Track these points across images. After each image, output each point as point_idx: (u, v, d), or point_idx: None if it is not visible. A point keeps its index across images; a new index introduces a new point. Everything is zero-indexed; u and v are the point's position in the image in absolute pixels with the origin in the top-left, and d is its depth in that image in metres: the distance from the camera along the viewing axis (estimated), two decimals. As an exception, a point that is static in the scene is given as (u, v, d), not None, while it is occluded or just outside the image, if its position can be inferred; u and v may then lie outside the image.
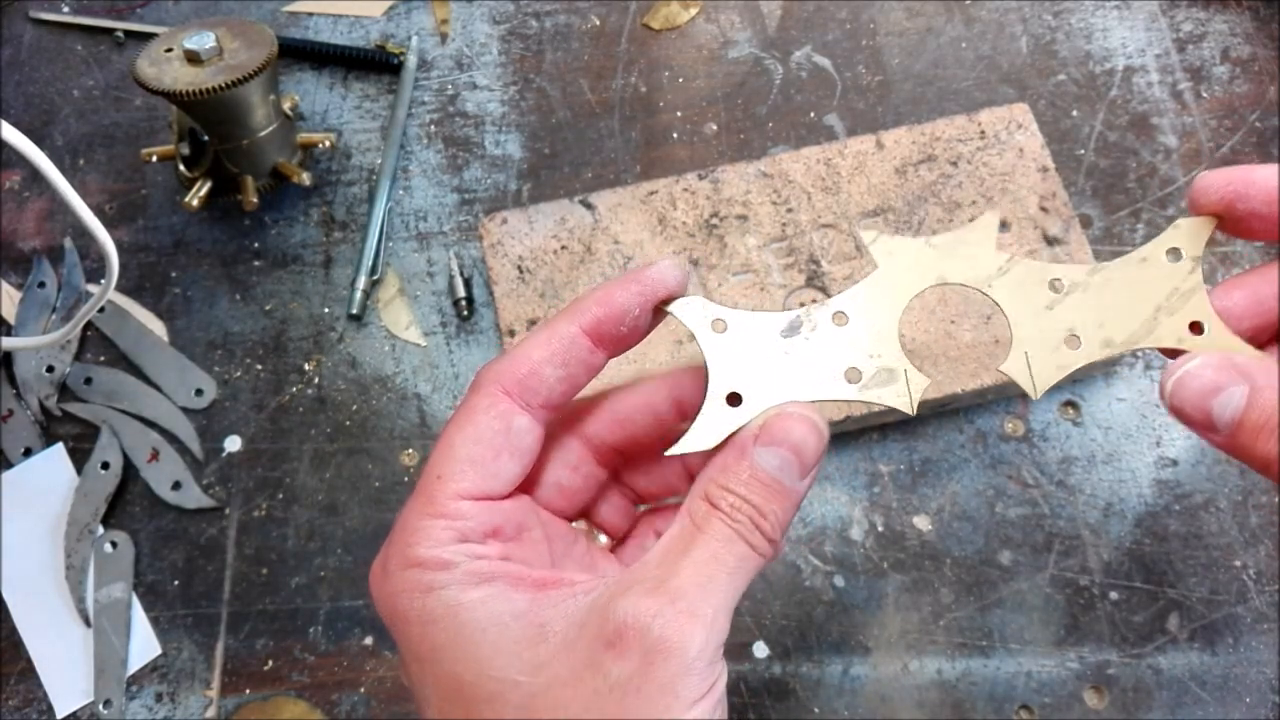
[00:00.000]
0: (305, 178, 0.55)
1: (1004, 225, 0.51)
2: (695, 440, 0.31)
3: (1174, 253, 0.31)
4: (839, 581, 0.48)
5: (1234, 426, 0.28)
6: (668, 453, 0.30)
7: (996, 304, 0.32)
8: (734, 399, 0.31)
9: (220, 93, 0.49)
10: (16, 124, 0.42)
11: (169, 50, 0.51)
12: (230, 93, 0.49)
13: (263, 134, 0.53)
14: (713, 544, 0.29)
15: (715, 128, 0.58)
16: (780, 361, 0.31)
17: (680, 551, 0.28)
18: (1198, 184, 0.32)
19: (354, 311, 0.54)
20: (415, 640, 0.28)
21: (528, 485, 0.32)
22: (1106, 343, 0.31)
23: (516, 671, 0.27)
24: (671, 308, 0.31)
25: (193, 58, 0.50)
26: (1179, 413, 0.30)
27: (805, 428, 0.30)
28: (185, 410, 0.53)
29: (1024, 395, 0.51)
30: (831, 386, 0.31)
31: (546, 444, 0.32)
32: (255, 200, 0.54)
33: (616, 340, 0.31)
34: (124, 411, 0.53)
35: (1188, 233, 0.31)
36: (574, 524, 0.34)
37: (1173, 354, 0.32)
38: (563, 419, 0.33)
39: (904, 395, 0.31)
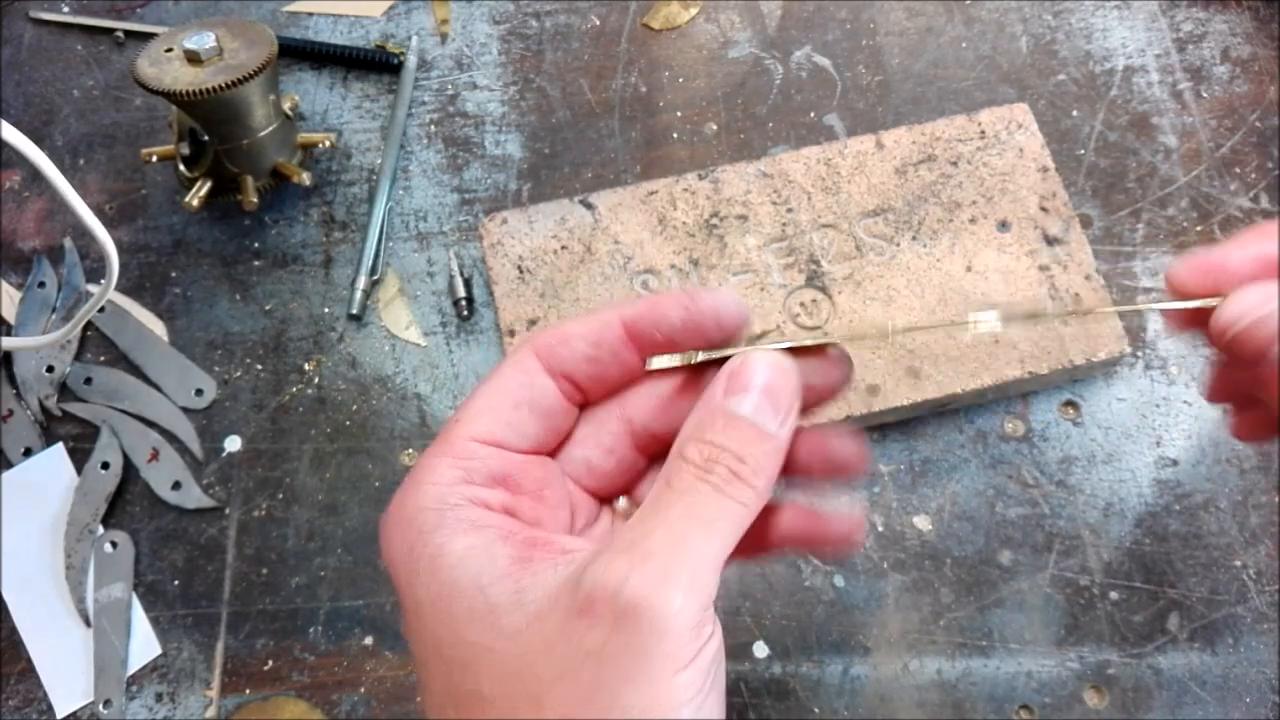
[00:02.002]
0: (305, 178, 0.55)
1: (1004, 225, 0.51)
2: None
3: None
4: (839, 581, 0.48)
5: None
6: (650, 366, 0.30)
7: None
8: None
9: (220, 93, 0.49)
10: (16, 124, 0.42)
11: (169, 50, 0.51)
12: (230, 93, 0.49)
13: (263, 134, 0.53)
14: (685, 499, 0.27)
15: (715, 128, 0.58)
16: None
17: (653, 512, 0.27)
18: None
19: (354, 311, 0.54)
20: (404, 592, 0.28)
21: (557, 455, 0.31)
22: None
23: (491, 639, 0.26)
24: (659, 364, 0.30)
25: (193, 58, 0.50)
26: (1244, 336, 0.29)
27: (770, 369, 0.29)
28: (185, 410, 0.53)
29: (1024, 395, 0.51)
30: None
31: (582, 423, 0.31)
32: (255, 200, 0.54)
33: (649, 343, 0.30)
34: (124, 411, 0.53)
35: None
36: (617, 502, 0.33)
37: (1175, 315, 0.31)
38: (605, 403, 0.32)
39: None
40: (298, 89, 0.60)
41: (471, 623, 0.26)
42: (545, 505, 0.30)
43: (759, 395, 0.28)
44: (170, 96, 0.49)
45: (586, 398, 0.31)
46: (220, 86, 0.49)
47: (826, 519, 0.32)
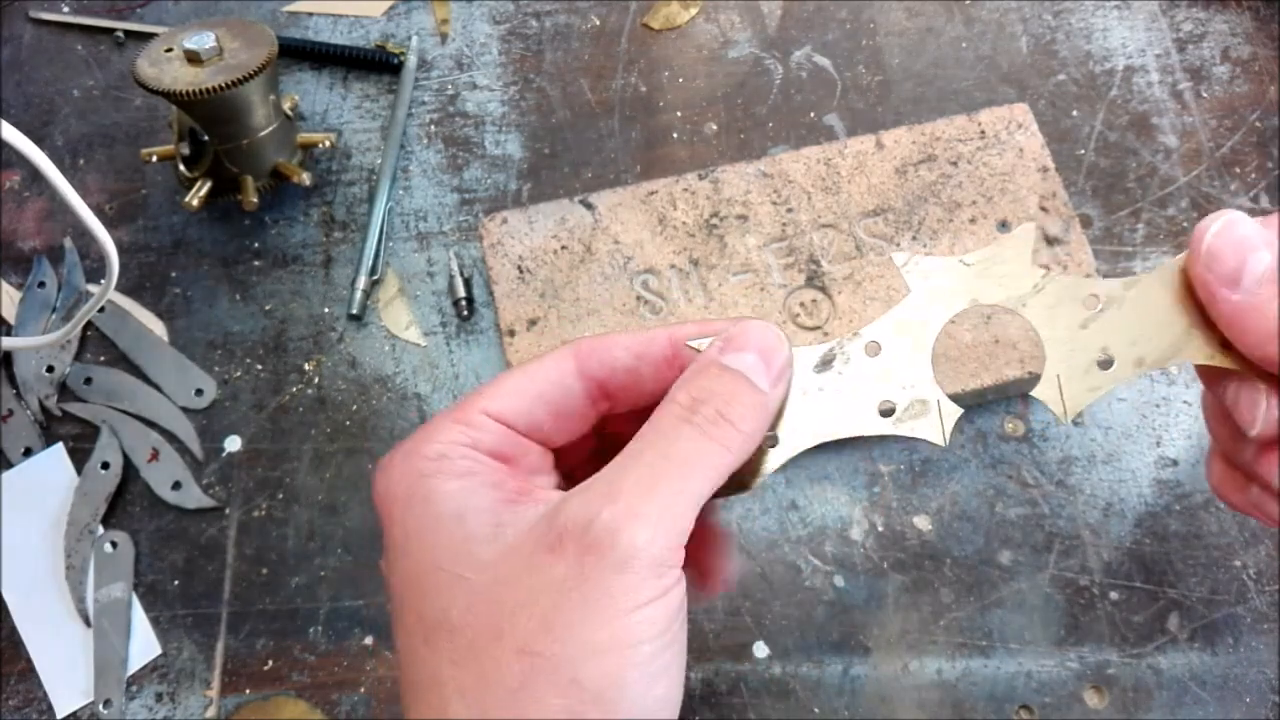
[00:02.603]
0: (305, 178, 0.55)
1: (1004, 225, 0.51)
2: (735, 485, 0.30)
3: None
4: (839, 581, 0.48)
5: (1261, 282, 0.27)
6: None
7: (1030, 324, 0.31)
8: (771, 440, 0.30)
9: (220, 93, 0.49)
10: (16, 124, 0.42)
11: (169, 50, 0.51)
12: (230, 93, 0.49)
13: (263, 134, 0.53)
14: (665, 440, 0.27)
15: (715, 128, 0.58)
16: (814, 398, 0.31)
17: (633, 453, 0.27)
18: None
19: (354, 311, 0.54)
20: (393, 524, 0.28)
21: (563, 455, 0.32)
22: (1139, 361, 0.30)
23: (465, 568, 0.27)
24: (697, 344, 0.30)
25: (193, 58, 0.50)
26: (1213, 255, 0.28)
27: (768, 333, 0.29)
28: (185, 410, 0.53)
29: (1024, 395, 0.51)
30: (866, 421, 0.31)
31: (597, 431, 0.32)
32: (255, 200, 0.54)
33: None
34: (124, 411, 0.53)
35: None
36: None
37: (1204, 371, 0.31)
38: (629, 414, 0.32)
39: (936, 427, 0.31)
40: (298, 89, 0.60)
41: (448, 549, 0.27)
42: (537, 489, 0.30)
43: (754, 354, 0.29)
44: (170, 96, 0.49)
45: (614, 406, 0.31)
46: (220, 86, 0.49)
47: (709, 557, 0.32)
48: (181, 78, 0.49)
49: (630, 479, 0.27)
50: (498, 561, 0.27)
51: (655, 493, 0.26)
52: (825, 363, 0.31)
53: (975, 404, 0.51)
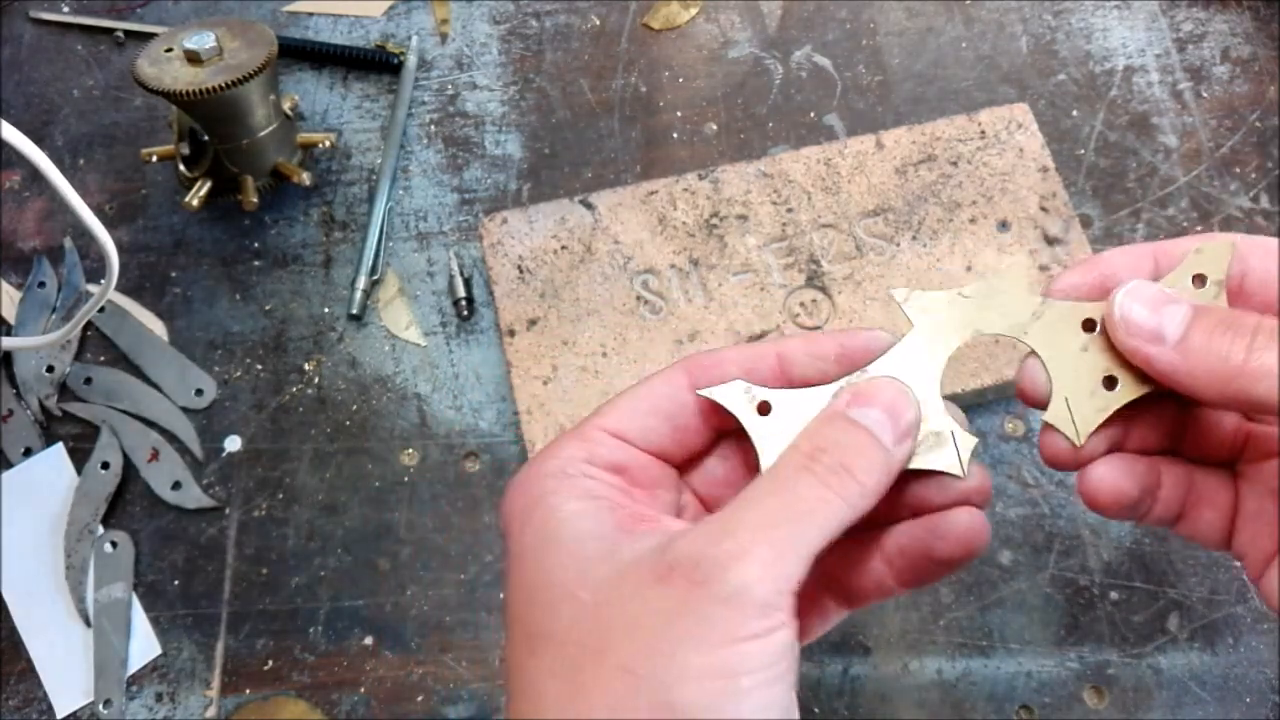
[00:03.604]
0: (305, 178, 0.55)
1: (1004, 225, 0.51)
2: None
3: (1199, 279, 0.30)
4: (839, 581, 0.48)
5: (1184, 330, 0.28)
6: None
7: (1034, 351, 0.31)
8: None
9: (220, 93, 0.49)
10: (16, 124, 0.42)
11: (169, 50, 0.51)
12: (230, 93, 0.49)
13: (263, 134, 0.53)
14: (785, 486, 0.28)
15: (715, 128, 0.58)
16: None
17: (752, 496, 0.28)
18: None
19: (354, 311, 0.54)
20: (513, 540, 0.29)
21: (686, 469, 0.32)
22: (1143, 379, 0.30)
23: (577, 586, 0.27)
24: (711, 393, 0.31)
25: (193, 58, 0.50)
26: (1127, 324, 0.29)
27: (896, 391, 0.30)
28: (185, 410, 0.53)
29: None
30: None
31: (723, 444, 0.33)
32: (255, 200, 0.54)
33: (799, 376, 0.31)
34: (124, 411, 0.53)
35: (1210, 257, 0.30)
36: None
37: None
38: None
39: (953, 459, 0.31)
40: (298, 89, 0.60)
41: (563, 568, 0.28)
42: (657, 502, 0.31)
43: (880, 410, 0.29)
44: (170, 96, 0.49)
45: (727, 421, 0.32)
46: (220, 86, 0.49)
47: (941, 521, 0.31)
48: (181, 78, 0.49)
49: (747, 520, 0.27)
50: (608, 584, 0.27)
51: (770, 536, 0.26)
52: None
53: (975, 404, 0.51)
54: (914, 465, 0.30)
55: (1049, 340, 0.31)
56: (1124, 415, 0.31)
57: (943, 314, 0.32)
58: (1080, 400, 0.31)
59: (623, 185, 0.54)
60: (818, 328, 0.50)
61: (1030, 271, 0.31)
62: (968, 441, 0.31)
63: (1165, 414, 0.31)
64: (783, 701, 0.26)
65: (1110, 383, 0.30)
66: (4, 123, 0.40)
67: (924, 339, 0.31)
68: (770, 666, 0.26)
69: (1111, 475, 0.30)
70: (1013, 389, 0.50)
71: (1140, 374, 0.30)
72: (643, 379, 0.32)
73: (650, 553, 0.27)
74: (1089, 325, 0.30)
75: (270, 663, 0.49)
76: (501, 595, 0.31)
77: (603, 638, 0.26)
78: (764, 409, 0.30)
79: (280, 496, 0.51)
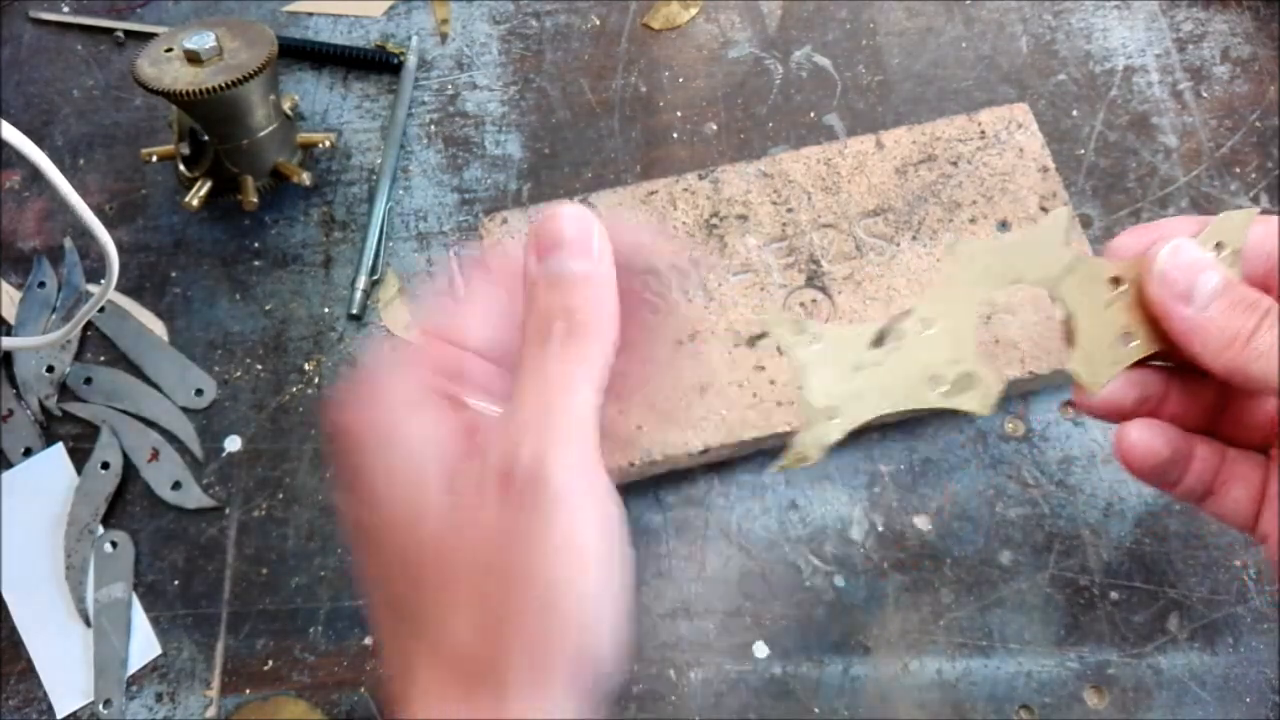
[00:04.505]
0: (305, 178, 0.55)
1: (1004, 225, 0.51)
2: (797, 456, 0.32)
3: (1219, 246, 0.32)
4: (839, 581, 0.48)
5: (1211, 299, 0.30)
6: (771, 470, 0.32)
7: (1064, 302, 0.33)
8: (830, 412, 0.32)
9: (220, 92, 0.49)
10: (16, 124, 0.42)
11: (169, 50, 0.51)
12: (230, 92, 0.49)
13: (263, 134, 0.53)
14: (536, 374, 0.28)
15: (715, 128, 0.58)
16: (870, 372, 0.33)
17: (517, 392, 0.28)
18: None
19: (354, 311, 0.54)
20: (353, 462, 0.30)
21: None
22: (1157, 339, 0.33)
23: (418, 514, 0.28)
24: (769, 327, 0.32)
25: (193, 58, 0.50)
26: (1164, 278, 0.31)
27: (568, 219, 0.30)
28: (185, 410, 0.53)
29: (1024, 395, 0.51)
30: (917, 394, 0.33)
31: None
32: (255, 200, 0.54)
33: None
34: (124, 411, 0.53)
35: (1231, 226, 0.32)
36: None
37: None
38: None
39: (981, 399, 0.33)
40: (298, 89, 0.60)
41: (405, 496, 0.29)
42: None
43: (566, 250, 0.29)
44: (170, 96, 0.49)
45: None
46: (220, 86, 0.49)
47: None
48: (182, 78, 0.49)
49: (527, 411, 0.28)
50: (447, 511, 0.28)
51: (551, 419, 0.27)
52: (879, 339, 0.33)
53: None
54: (946, 405, 0.33)
55: (1078, 293, 0.33)
56: (1163, 388, 0.33)
57: (983, 262, 0.33)
58: (1100, 351, 0.33)
59: (623, 185, 0.54)
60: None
61: (1070, 223, 0.33)
62: (996, 383, 0.33)
63: (1203, 393, 0.33)
64: (619, 568, 0.28)
65: (1128, 338, 0.33)
66: (4, 123, 0.40)
67: (965, 284, 0.33)
68: (607, 538, 0.27)
69: (1146, 436, 0.32)
70: (1013, 389, 0.50)
71: (1155, 333, 0.32)
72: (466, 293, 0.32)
73: (480, 472, 0.28)
74: (1116, 282, 0.33)
75: (270, 663, 0.49)
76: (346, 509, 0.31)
77: (448, 565, 0.28)
78: (810, 342, 0.33)
79: (280, 496, 0.51)
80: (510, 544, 0.27)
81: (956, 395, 0.33)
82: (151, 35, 0.61)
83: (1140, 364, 0.33)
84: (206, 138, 0.53)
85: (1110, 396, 0.33)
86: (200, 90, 0.48)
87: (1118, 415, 0.33)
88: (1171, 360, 0.33)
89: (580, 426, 0.27)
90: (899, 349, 0.33)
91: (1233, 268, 0.32)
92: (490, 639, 0.28)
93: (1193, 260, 0.31)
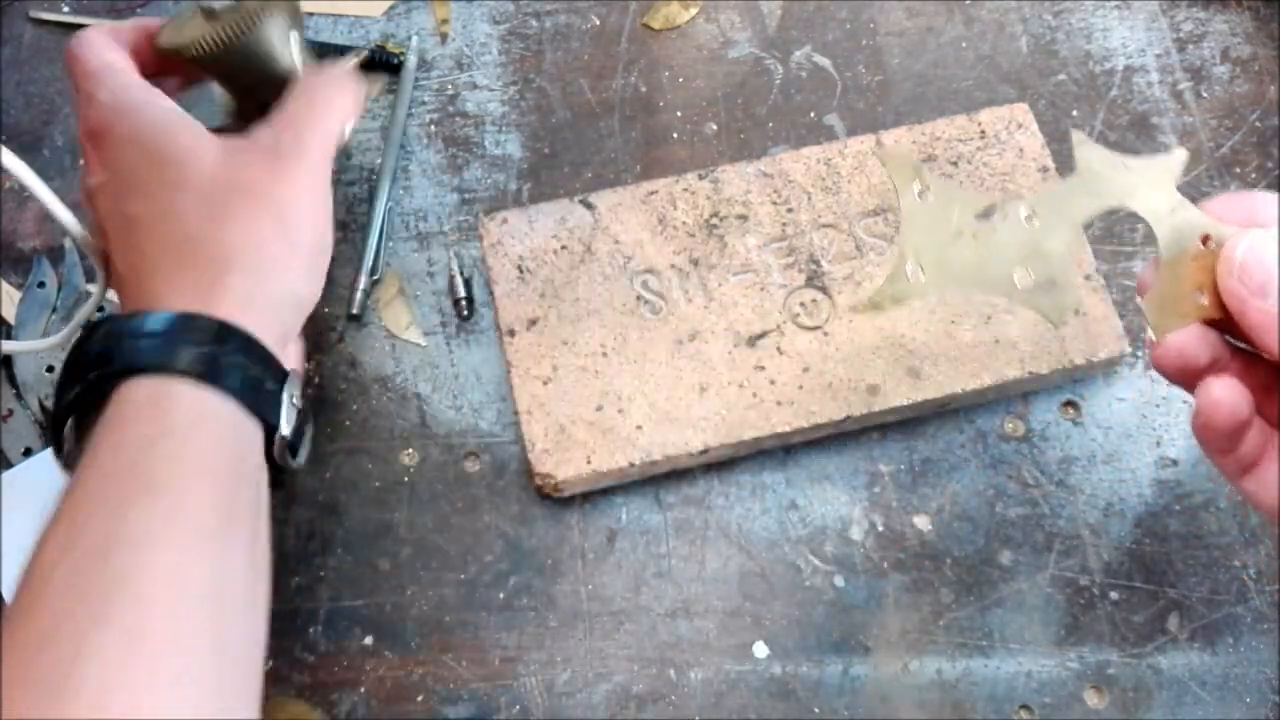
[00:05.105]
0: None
1: (1004, 225, 0.51)
2: (871, 303, 0.34)
3: None
4: (839, 581, 0.48)
5: None
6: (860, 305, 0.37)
7: (1158, 241, 0.33)
8: (916, 271, 0.33)
9: (237, 39, 0.46)
10: (16, 124, 0.42)
11: (190, 18, 0.48)
12: (248, 38, 0.46)
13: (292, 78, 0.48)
14: (303, 105, 0.46)
15: (715, 128, 0.58)
16: (967, 243, 0.33)
17: (285, 110, 0.47)
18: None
19: (354, 311, 0.54)
20: (106, 125, 0.44)
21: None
22: (1222, 307, 0.33)
23: (181, 173, 0.43)
24: (884, 157, 0.34)
25: (209, 14, 0.47)
26: (1243, 271, 0.32)
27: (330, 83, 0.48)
28: (185, 410, 0.53)
29: (1024, 395, 0.51)
30: (1000, 282, 0.33)
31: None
32: None
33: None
34: (124, 411, 0.53)
35: None
36: None
37: None
38: None
39: (1056, 309, 0.33)
40: (298, 89, 0.60)
41: (167, 159, 0.42)
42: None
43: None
44: (181, 51, 0.46)
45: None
46: (232, 29, 0.45)
47: None
48: (197, 34, 0.46)
49: (296, 122, 0.45)
50: (211, 171, 0.42)
51: (305, 135, 0.45)
52: (987, 213, 0.33)
53: (975, 404, 0.51)
54: (1022, 301, 0.33)
55: (1172, 239, 0.33)
56: (1227, 358, 0.33)
57: (1102, 173, 0.34)
58: (1173, 300, 0.33)
59: (623, 185, 0.54)
60: (818, 328, 0.50)
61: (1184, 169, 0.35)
62: (1073, 299, 0.34)
63: (1258, 372, 0.34)
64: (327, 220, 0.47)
65: (1199, 296, 0.33)
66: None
67: (1080, 189, 0.34)
68: (324, 195, 0.47)
69: (1232, 393, 0.32)
70: (1013, 389, 0.50)
71: (1221, 304, 0.33)
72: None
73: (241, 142, 0.44)
74: (1206, 239, 0.33)
75: (270, 663, 0.49)
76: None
77: (206, 214, 0.41)
78: (922, 191, 0.34)
79: (280, 496, 0.51)
80: (262, 178, 0.42)
81: (1035, 296, 0.33)
82: (151, 35, 0.61)
83: (1208, 326, 0.33)
84: (237, 107, 0.50)
85: (1184, 349, 0.33)
86: (213, 40, 0.45)
87: (1188, 373, 0.33)
88: (1230, 334, 0.33)
89: (316, 142, 0.45)
90: (998, 230, 0.33)
91: None
92: (224, 236, 0.41)
93: (1271, 255, 0.32)
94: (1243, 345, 0.34)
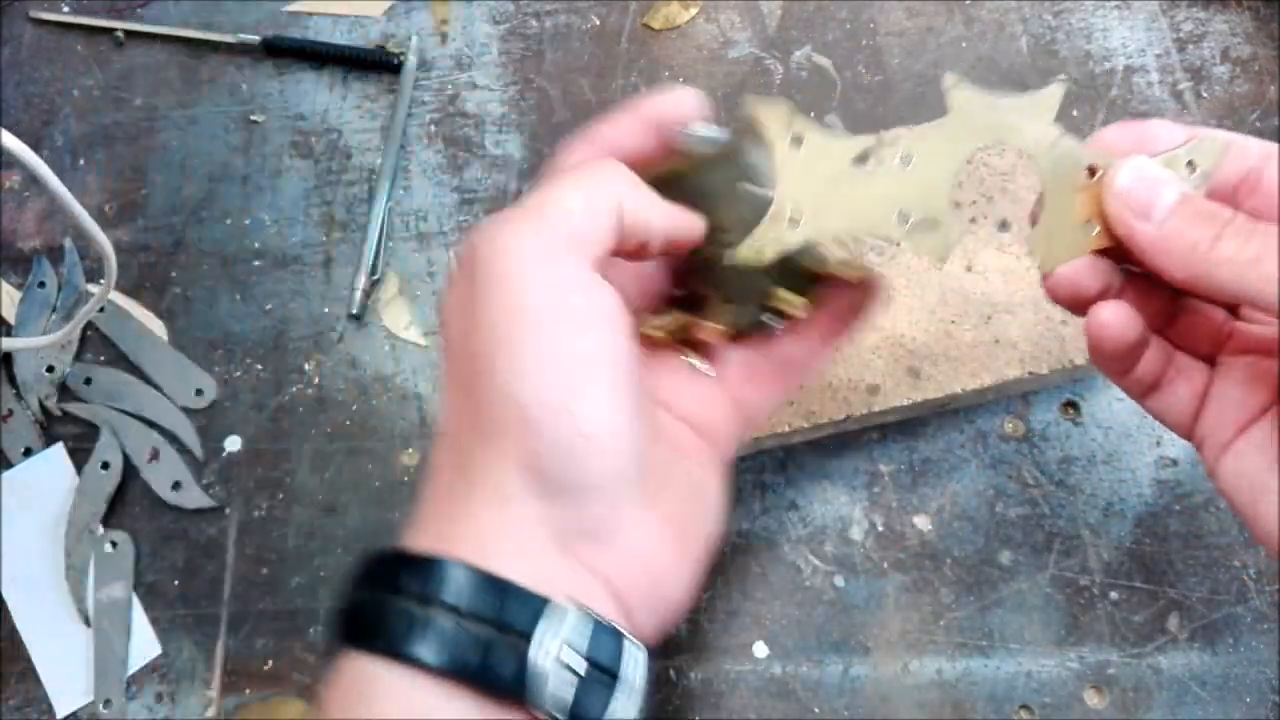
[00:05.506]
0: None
1: (1004, 225, 0.51)
2: (750, 252, 0.32)
3: (1190, 165, 0.33)
4: (839, 581, 0.48)
5: (1170, 212, 0.31)
6: (726, 262, 0.33)
7: (1040, 177, 0.33)
8: (794, 221, 0.33)
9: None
10: (16, 124, 0.42)
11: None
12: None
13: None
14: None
15: (715, 128, 0.58)
16: (845, 189, 0.33)
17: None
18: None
19: (354, 311, 0.54)
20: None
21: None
22: (1114, 235, 0.33)
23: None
24: (753, 105, 0.33)
25: (707, 149, 0.36)
26: (1124, 195, 0.32)
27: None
28: (185, 410, 0.53)
29: (1024, 395, 0.51)
30: (881, 224, 0.33)
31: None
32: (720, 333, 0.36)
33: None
34: (124, 411, 0.53)
35: (1208, 148, 0.32)
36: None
37: None
38: None
39: (938, 247, 0.33)
40: (297, 89, 0.60)
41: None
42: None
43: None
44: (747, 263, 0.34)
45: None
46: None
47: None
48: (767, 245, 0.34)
49: (511, 214, 0.31)
50: (447, 301, 0.32)
51: (513, 215, 0.31)
52: (862, 159, 0.33)
53: (975, 404, 0.51)
54: (903, 240, 0.33)
55: (1054, 172, 0.33)
56: (1120, 286, 0.33)
57: (976, 113, 0.34)
58: (1061, 234, 0.33)
59: (623, 185, 0.54)
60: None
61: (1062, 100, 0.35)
62: (955, 234, 0.33)
63: (1155, 298, 0.34)
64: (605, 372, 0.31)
65: (1089, 228, 0.33)
66: (2, 130, 0.40)
67: (955, 129, 0.34)
68: (553, 314, 0.30)
69: (1121, 315, 0.32)
70: (1013, 389, 0.50)
71: (1113, 233, 0.33)
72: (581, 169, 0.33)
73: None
74: (1092, 171, 0.33)
75: (270, 663, 0.49)
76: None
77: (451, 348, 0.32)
78: (796, 142, 0.33)
79: (280, 496, 0.51)
80: (460, 317, 0.30)
81: (916, 236, 0.33)
82: (152, 35, 0.61)
83: (1100, 255, 0.33)
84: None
85: (1076, 279, 0.33)
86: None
87: (1081, 302, 0.34)
88: (1127, 261, 0.33)
89: (543, 221, 0.30)
90: (875, 174, 0.33)
91: (1198, 189, 0.32)
92: (453, 413, 0.31)
93: (1153, 176, 0.32)
94: (1138, 269, 0.34)
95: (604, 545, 0.30)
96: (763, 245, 0.33)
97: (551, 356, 0.29)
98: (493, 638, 0.27)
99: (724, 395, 0.36)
